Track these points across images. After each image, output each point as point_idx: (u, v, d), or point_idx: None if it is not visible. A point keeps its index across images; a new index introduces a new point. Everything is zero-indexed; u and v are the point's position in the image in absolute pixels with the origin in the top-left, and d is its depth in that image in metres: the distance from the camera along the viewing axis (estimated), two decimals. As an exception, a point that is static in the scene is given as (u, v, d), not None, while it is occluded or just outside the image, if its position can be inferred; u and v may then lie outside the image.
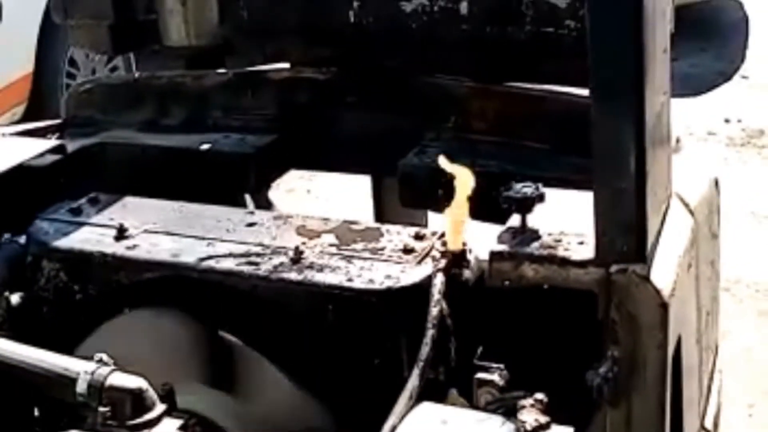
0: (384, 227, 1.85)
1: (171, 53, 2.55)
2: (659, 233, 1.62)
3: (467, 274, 1.70)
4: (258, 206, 2.53)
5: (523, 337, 1.65)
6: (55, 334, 1.81)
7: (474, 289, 1.69)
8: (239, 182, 2.37)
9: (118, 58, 5.35)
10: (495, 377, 1.61)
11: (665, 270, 1.58)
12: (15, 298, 1.89)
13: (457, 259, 1.70)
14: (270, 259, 1.74)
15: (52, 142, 2.26)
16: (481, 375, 1.62)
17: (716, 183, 2.04)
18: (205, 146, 2.33)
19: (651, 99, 1.51)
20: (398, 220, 2.17)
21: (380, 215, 2.51)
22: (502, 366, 1.63)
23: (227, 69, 2.51)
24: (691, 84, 5.90)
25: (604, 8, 1.45)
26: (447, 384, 1.66)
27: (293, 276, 1.69)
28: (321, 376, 1.70)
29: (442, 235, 1.78)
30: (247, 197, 2.58)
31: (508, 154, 2.10)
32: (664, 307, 1.53)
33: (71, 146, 2.26)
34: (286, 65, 2.47)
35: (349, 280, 1.67)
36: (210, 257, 1.77)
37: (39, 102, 5.15)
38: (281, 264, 1.72)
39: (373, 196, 2.56)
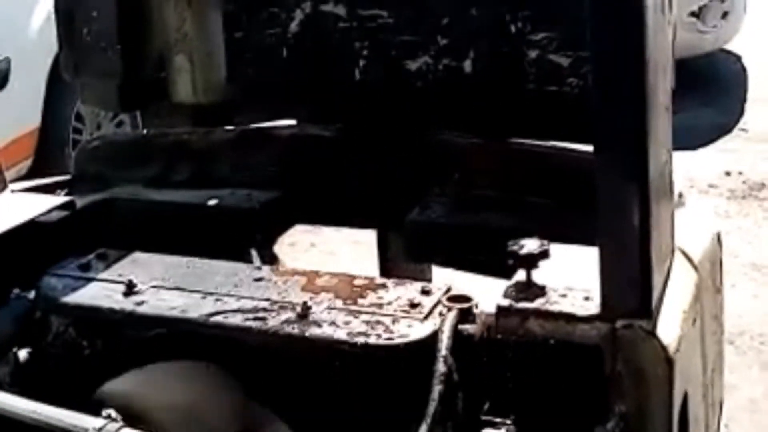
0: (390, 282, 1.86)
1: (179, 110, 2.59)
2: (664, 288, 1.64)
3: (473, 329, 1.70)
4: (263, 261, 2.55)
5: (530, 392, 1.65)
6: (64, 390, 1.81)
7: (480, 344, 1.70)
8: (246, 237, 2.38)
9: (124, 114, 5.41)
10: (502, 433, 1.62)
11: (671, 325, 1.59)
12: (23, 354, 1.90)
13: (463, 315, 1.72)
14: (277, 314, 1.76)
15: (60, 198, 2.28)
16: (488, 430, 1.63)
17: (718, 237, 2.05)
18: (212, 202, 2.35)
19: (654, 155, 1.54)
20: (404, 275, 2.18)
21: (386, 269, 2.53)
22: (509, 421, 1.63)
23: (234, 126, 2.55)
24: (690, 137, 5.93)
25: (607, 66, 1.48)
26: (454, 439, 1.66)
27: (300, 331, 1.71)
28: (328, 432, 1.71)
29: (449, 290, 1.79)
30: (253, 252, 2.60)
31: (511, 209, 2.12)
32: (669, 362, 1.54)
33: (80, 202, 2.28)
34: (293, 122, 2.50)
35: (356, 335, 1.68)
36: (218, 313, 1.78)
37: (45, 157, 5.18)
38: (288, 319, 1.74)
39: (378, 251, 2.57)
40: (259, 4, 2.36)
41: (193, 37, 2.44)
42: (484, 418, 1.66)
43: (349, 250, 4.50)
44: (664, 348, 1.54)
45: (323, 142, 2.37)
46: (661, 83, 1.63)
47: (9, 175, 4.90)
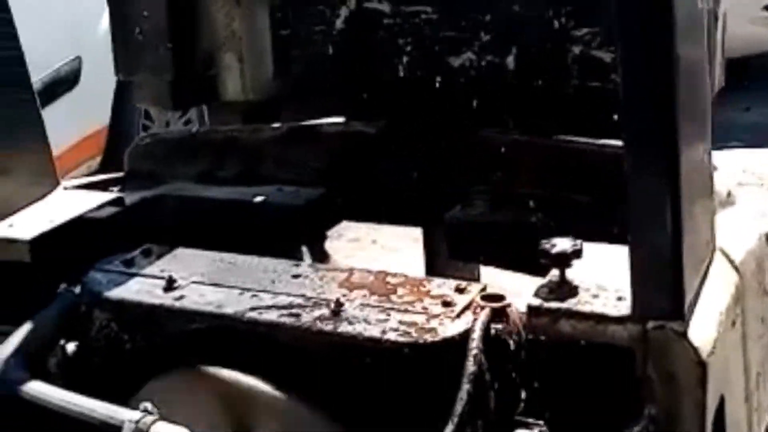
0: (426, 279, 1.86)
1: (228, 108, 2.62)
2: (699, 289, 1.60)
3: (506, 328, 1.69)
4: (314, 257, 2.56)
5: (561, 392, 1.63)
6: (106, 383, 1.86)
7: (513, 344, 1.68)
8: (293, 234, 2.40)
9: (191, 112, 5.49)
10: (534, 434, 1.60)
11: (705, 327, 1.55)
12: (70, 347, 1.95)
13: (496, 314, 1.70)
14: (311, 311, 1.76)
15: (110, 194, 2.33)
16: (520, 431, 1.62)
17: (767, 237, 2.00)
18: (259, 199, 2.38)
19: (687, 153, 1.50)
20: (450, 273, 2.17)
21: (432, 267, 2.52)
22: (541, 422, 1.62)
23: (282, 123, 2.57)
24: (762, 133, 5.79)
25: (633, 61, 1.45)
26: (485, 440, 1.65)
27: (332, 328, 1.71)
28: (359, 430, 1.71)
29: (484, 288, 1.78)
30: (304, 249, 2.61)
31: (554, 207, 2.09)
32: (702, 365, 1.50)
33: (129, 199, 2.32)
34: (339, 119, 2.51)
35: (387, 332, 1.68)
36: (253, 309, 1.80)
37: (114, 154, 5.29)
38: (321, 316, 1.74)
39: (424, 249, 2.57)
40: (305, 2, 2.38)
41: (242, 35, 2.47)
42: (516, 418, 1.65)
43: (411, 246, 4.49)
44: (696, 350, 1.50)
45: (368, 138, 2.38)
46: (700, 80, 1.59)
47: (78, 172, 5.03)
